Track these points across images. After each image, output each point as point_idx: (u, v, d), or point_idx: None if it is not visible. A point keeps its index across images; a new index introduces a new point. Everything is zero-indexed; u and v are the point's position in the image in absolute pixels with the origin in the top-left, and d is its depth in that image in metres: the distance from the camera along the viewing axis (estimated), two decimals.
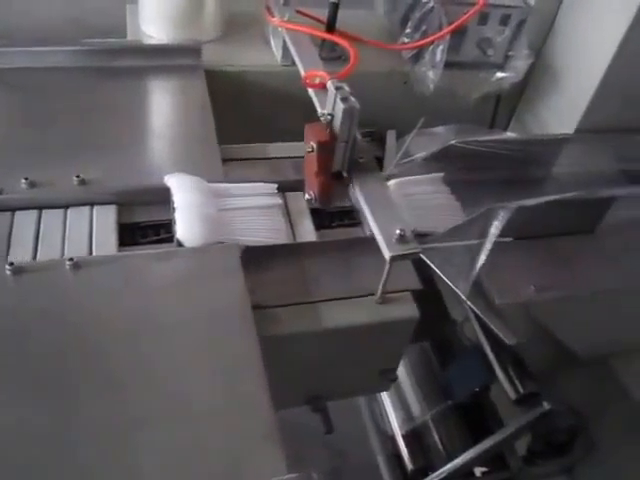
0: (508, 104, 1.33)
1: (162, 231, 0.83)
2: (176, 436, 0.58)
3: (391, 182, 0.95)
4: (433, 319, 1.15)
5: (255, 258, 0.82)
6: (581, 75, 1.17)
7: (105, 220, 0.82)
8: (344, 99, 0.77)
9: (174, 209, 0.81)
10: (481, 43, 1.21)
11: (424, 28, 1.16)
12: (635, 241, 1.00)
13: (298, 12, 1.16)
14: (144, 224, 0.84)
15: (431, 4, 1.14)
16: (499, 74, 1.22)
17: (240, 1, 1.25)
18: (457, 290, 0.84)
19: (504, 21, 1.19)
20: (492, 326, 0.83)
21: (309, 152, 0.78)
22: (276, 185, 0.91)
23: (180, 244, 0.79)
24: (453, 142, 0.98)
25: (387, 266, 0.78)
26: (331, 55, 1.17)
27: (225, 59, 1.14)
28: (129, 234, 0.82)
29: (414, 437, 1.18)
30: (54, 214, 0.81)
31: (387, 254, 0.74)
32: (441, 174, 1.02)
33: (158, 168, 0.88)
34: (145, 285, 0.74)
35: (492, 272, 0.87)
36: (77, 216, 0.82)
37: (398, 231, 0.74)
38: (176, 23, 1.15)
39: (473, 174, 1.02)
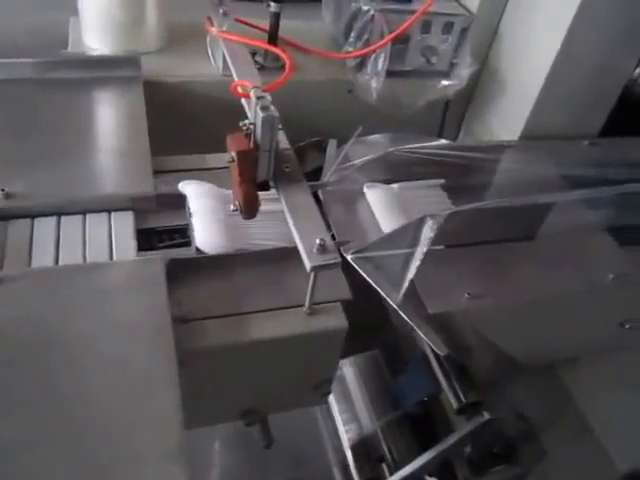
0: (457, 111, 1.34)
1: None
2: (75, 456, 0.57)
3: (394, 185, 0.99)
4: (383, 327, 1.14)
5: (184, 270, 0.81)
6: (524, 82, 1.17)
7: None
8: (264, 108, 0.76)
9: (191, 215, 0.85)
10: (425, 51, 1.21)
11: (366, 37, 1.16)
12: (574, 247, 0.99)
13: (240, 21, 1.16)
14: None
15: (371, 13, 1.14)
16: (444, 82, 1.22)
17: (186, 11, 1.24)
18: (388, 299, 0.83)
19: (447, 29, 1.20)
20: (423, 336, 0.83)
21: (230, 162, 0.78)
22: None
23: (200, 251, 0.83)
24: (390, 150, 0.98)
25: (311, 277, 0.77)
26: (275, 64, 1.17)
27: (166, 70, 1.13)
28: None
29: (363, 448, 1.17)
30: None
31: (308, 265, 0.73)
32: (441, 180, 1.04)
33: (85, 180, 0.87)
34: (63, 299, 0.72)
35: (426, 280, 0.87)
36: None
37: (318, 241, 0.73)
38: (117, 35, 1.15)
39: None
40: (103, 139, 0.96)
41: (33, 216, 0.83)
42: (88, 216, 0.85)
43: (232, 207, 0.82)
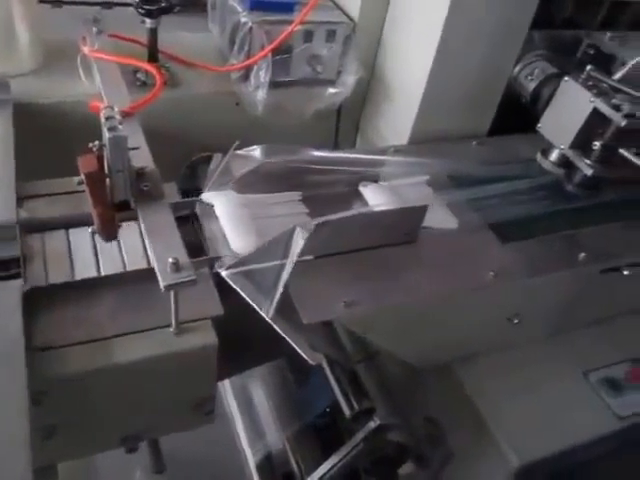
0: (350, 118, 1.34)
1: None
2: None
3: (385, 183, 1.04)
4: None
5: (44, 297, 0.79)
6: (408, 87, 1.19)
7: None
8: (111, 129, 0.74)
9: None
10: (311, 60, 1.21)
11: (247, 49, 1.16)
12: (456, 246, 1.00)
13: (117, 37, 1.14)
14: None
15: (250, 25, 1.13)
16: (331, 90, 1.22)
17: (64, 30, 1.22)
18: (261, 312, 0.82)
19: (330, 37, 1.20)
20: (296, 347, 0.82)
21: (81, 184, 0.76)
22: (300, 193, 0.99)
23: None
24: (265, 161, 0.97)
25: (171, 296, 0.76)
26: (154, 81, 1.15)
27: (40, 91, 1.10)
28: None
29: (269, 465, 1.15)
30: None
31: (161, 284, 0.71)
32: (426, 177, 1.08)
33: None
34: None
35: (302, 291, 0.86)
36: None
37: (171, 260, 0.71)
38: None
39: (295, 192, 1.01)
40: None
41: None
42: None
43: (89, 229, 0.80)
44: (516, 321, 1.05)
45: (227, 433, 1.29)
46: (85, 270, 0.86)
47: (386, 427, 0.95)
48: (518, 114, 1.21)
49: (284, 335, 0.83)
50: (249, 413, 1.21)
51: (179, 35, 1.29)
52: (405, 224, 0.96)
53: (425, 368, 1.07)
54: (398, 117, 1.22)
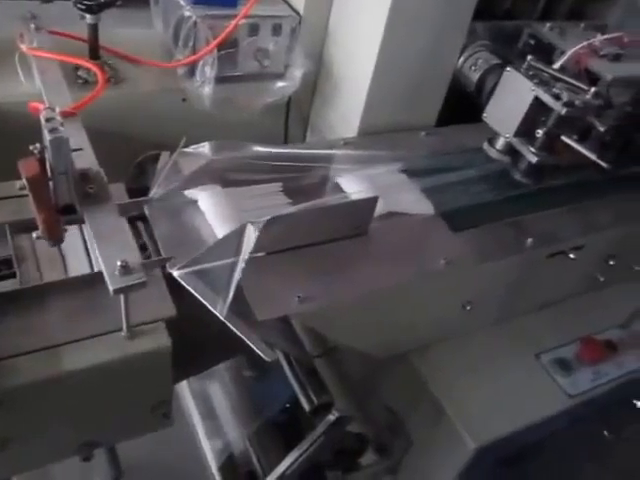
0: (300, 111, 1.34)
1: None
2: None
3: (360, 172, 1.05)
4: None
5: None
6: (355, 78, 1.19)
7: None
8: (52, 130, 0.72)
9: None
10: (257, 54, 1.20)
11: (192, 44, 1.14)
12: (408, 236, 1.02)
13: (57, 34, 1.10)
14: None
15: (194, 19, 1.12)
16: (279, 84, 1.22)
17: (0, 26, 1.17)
18: (215, 311, 0.81)
19: (276, 31, 1.19)
20: (251, 345, 0.82)
21: (23, 189, 0.73)
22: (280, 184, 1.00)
23: None
24: (214, 158, 0.96)
25: (121, 299, 0.74)
26: (96, 79, 1.12)
27: None
28: None
29: (232, 465, 1.15)
30: None
31: (110, 287, 0.70)
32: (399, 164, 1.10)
33: None
34: None
35: (256, 288, 0.86)
36: None
37: (119, 262, 0.70)
38: None
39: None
40: None
41: None
42: None
43: (34, 235, 0.78)
44: (469, 308, 1.07)
45: (187, 435, 1.27)
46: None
47: (345, 419, 0.96)
48: (465, 104, 1.23)
49: (239, 333, 0.83)
50: (208, 413, 1.20)
51: (122, 30, 1.26)
52: (356, 217, 0.97)
53: (382, 358, 1.08)
54: (347, 109, 1.23)
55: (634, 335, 1.24)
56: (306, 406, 0.99)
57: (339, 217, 0.95)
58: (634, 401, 1.24)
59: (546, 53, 1.23)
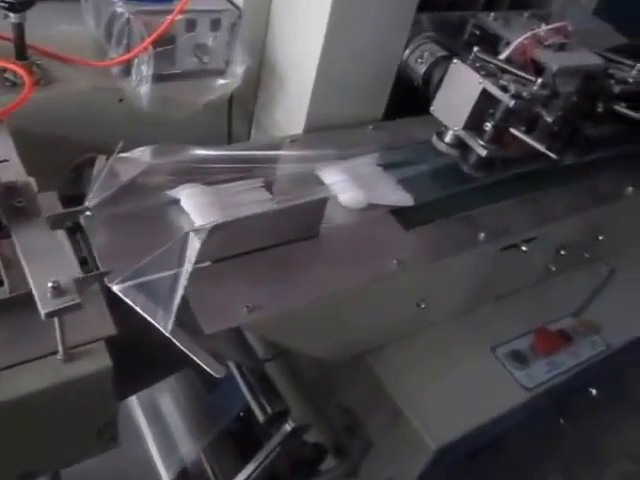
0: (244, 109, 1.29)
1: None
2: None
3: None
4: None
5: None
6: (299, 73, 1.15)
7: None
8: None
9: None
10: (196, 51, 1.15)
11: (125, 41, 1.08)
12: (359, 236, 0.99)
13: None
14: None
15: (126, 16, 1.06)
16: (220, 81, 1.17)
17: None
18: (159, 327, 0.77)
19: (215, 26, 1.14)
20: (198, 361, 0.78)
21: None
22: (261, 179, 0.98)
23: None
24: (154, 163, 0.92)
25: (56, 322, 0.69)
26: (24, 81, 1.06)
27: None
28: None
29: (184, 477, 1.11)
30: None
31: (41, 311, 0.65)
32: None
33: None
34: None
35: (202, 299, 0.82)
36: None
37: (50, 284, 0.65)
38: None
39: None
40: None
41: None
42: None
43: None
44: (423, 306, 1.05)
45: (138, 450, 1.22)
46: None
47: (301, 429, 0.93)
48: (413, 97, 1.20)
49: (184, 349, 0.78)
50: (160, 426, 1.16)
51: (52, 27, 1.19)
52: (305, 219, 0.93)
53: (337, 361, 1.05)
54: (292, 105, 1.19)
55: (586, 323, 1.25)
56: (260, 417, 0.96)
57: (288, 221, 0.91)
58: (589, 389, 1.26)
59: (492, 44, 1.22)
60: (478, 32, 1.25)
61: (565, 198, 1.19)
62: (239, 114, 1.28)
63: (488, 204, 1.12)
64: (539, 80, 1.04)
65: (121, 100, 1.13)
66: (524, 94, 1.03)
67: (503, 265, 1.13)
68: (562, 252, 1.21)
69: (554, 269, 1.24)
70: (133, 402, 1.20)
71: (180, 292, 0.78)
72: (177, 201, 0.93)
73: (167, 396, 1.18)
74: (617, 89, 1.19)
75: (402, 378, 1.07)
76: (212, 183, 0.97)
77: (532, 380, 1.12)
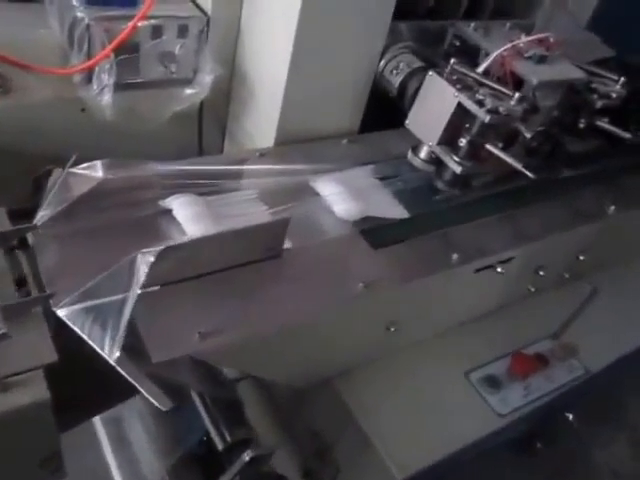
0: (215, 120, 1.25)
1: None
2: None
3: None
4: None
5: None
6: (269, 84, 1.11)
7: None
8: None
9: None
10: (162, 59, 1.11)
11: (86, 48, 1.04)
12: (325, 257, 0.95)
13: None
14: None
15: (86, 22, 1.01)
16: (188, 91, 1.12)
17: None
18: (104, 355, 0.73)
19: (182, 33, 1.10)
20: (143, 391, 0.73)
21: None
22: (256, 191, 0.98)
23: None
24: (107, 178, 0.87)
25: None
26: None
27: None
28: None
29: None
30: None
31: None
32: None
33: None
34: None
35: (152, 325, 0.77)
36: None
37: None
38: None
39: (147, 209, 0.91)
40: None
41: None
42: None
43: None
44: (393, 329, 1.00)
45: (100, 470, 1.18)
46: None
47: (262, 458, 0.89)
48: (391, 109, 1.16)
49: (130, 380, 0.74)
50: (123, 448, 1.11)
51: (14, 31, 1.14)
52: (266, 240, 0.89)
53: (303, 387, 1.01)
54: (263, 116, 1.14)
55: (565, 346, 1.21)
56: (219, 445, 0.92)
57: (248, 242, 0.87)
58: (567, 414, 1.21)
59: (472, 55, 1.18)
60: (458, 42, 1.21)
61: (545, 216, 1.15)
62: (211, 125, 1.24)
63: (463, 222, 1.07)
64: (516, 94, 1.00)
65: (83, 110, 1.09)
66: (500, 109, 0.99)
67: (478, 286, 1.09)
68: (541, 272, 1.17)
69: (533, 290, 1.20)
70: (96, 420, 1.15)
71: (126, 318, 0.74)
72: (137, 219, 0.89)
73: (131, 411, 1.13)
74: (599, 104, 1.15)
75: (370, 404, 1.03)
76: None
77: (506, 406, 1.08)
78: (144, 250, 0.75)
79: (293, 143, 1.14)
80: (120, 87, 1.07)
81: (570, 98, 1.16)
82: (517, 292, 1.20)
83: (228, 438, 0.92)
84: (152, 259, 0.75)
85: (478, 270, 1.05)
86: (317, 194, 1.03)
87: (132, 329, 0.76)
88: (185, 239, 0.81)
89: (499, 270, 1.06)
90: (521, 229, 1.11)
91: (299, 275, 0.91)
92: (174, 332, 0.78)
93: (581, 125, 1.18)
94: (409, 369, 1.09)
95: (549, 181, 1.18)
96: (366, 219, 1.01)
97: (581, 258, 1.23)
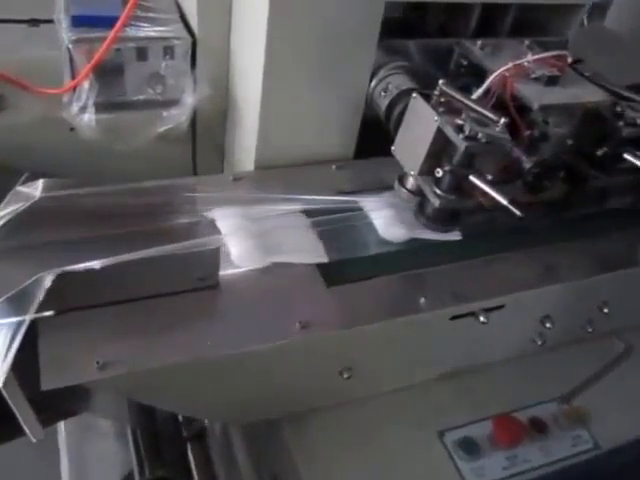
0: (210, 140, 1.22)
1: None
2: None
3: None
4: None
5: None
6: (249, 108, 1.06)
7: None
8: None
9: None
10: (149, 80, 1.10)
11: (69, 69, 1.06)
12: (269, 291, 0.88)
13: None
14: None
15: (66, 43, 1.03)
16: (172, 111, 1.11)
17: None
18: None
19: (168, 54, 1.09)
20: (19, 418, 0.71)
21: None
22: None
23: None
24: (39, 198, 0.87)
25: None
26: None
27: None
28: None
29: None
30: None
31: None
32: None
33: None
34: None
35: (53, 350, 0.75)
36: None
37: None
38: None
39: (81, 231, 0.89)
40: None
41: None
42: None
43: None
44: (347, 375, 0.91)
45: None
46: None
47: None
48: (375, 134, 1.07)
49: (10, 404, 0.72)
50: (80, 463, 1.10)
51: (24, 52, 1.19)
52: (194, 269, 0.84)
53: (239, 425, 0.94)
54: (245, 140, 1.10)
55: (573, 412, 1.02)
56: (137, 478, 0.88)
57: (169, 270, 0.82)
58: None
59: (479, 75, 1.05)
60: (465, 61, 1.09)
61: (545, 258, 1.00)
62: (204, 146, 1.22)
63: (443, 264, 0.95)
64: (502, 120, 0.88)
65: (72, 129, 1.11)
66: (479, 135, 0.87)
67: (460, 336, 0.96)
68: (547, 325, 1.01)
69: (540, 343, 1.04)
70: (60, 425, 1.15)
71: (17, 342, 0.72)
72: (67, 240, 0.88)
73: (94, 432, 1.12)
74: (625, 132, 0.98)
75: (321, 460, 0.92)
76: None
77: (480, 477, 0.93)
78: (42, 273, 0.74)
79: (277, 167, 1.08)
80: (106, 107, 1.08)
81: (591, 125, 1.00)
82: (518, 345, 1.04)
83: (147, 474, 0.87)
84: (49, 283, 0.73)
85: (455, 317, 0.92)
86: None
87: (33, 354, 0.74)
88: (81, 266, 0.77)
89: (482, 319, 0.92)
90: (516, 273, 0.97)
91: (232, 308, 0.85)
92: (72, 359, 0.75)
93: (603, 155, 1.01)
94: (373, 422, 0.97)
95: (563, 219, 1.02)
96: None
97: (605, 311, 1.05)
